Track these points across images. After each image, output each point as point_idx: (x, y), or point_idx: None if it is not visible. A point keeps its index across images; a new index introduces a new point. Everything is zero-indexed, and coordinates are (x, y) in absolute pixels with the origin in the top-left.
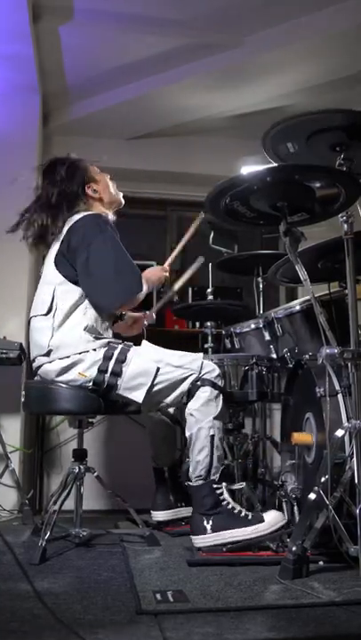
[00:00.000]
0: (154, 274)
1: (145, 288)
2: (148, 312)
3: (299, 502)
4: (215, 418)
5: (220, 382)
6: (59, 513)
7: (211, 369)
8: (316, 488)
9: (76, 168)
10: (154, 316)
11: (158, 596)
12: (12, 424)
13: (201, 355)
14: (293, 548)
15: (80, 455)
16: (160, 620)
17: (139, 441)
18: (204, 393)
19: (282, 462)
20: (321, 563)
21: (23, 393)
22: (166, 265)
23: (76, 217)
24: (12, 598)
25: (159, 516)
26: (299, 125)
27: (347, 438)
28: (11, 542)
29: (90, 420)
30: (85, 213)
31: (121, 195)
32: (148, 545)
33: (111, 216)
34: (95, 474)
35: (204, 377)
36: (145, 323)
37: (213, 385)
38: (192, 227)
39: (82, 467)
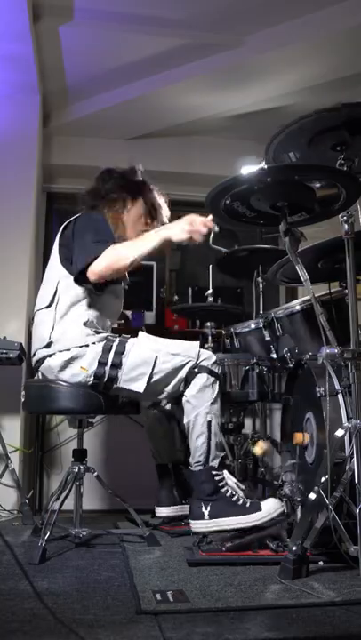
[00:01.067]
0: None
1: (141, 250)
2: None
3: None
4: (212, 403)
5: (216, 369)
6: (59, 513)
7: (207, 356)
8: (316, 488)
9: (133, 180)
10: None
11: (158, 595)
12: (12, 424)
13: (197, 343)
14: (293, 548)
15: (80, 455)
16: (160, 619)
17: (138, 441)
18: (201, 379)
19: (282, 462)
20: (321, 563)
21: (23, 393)
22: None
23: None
24: (11, 598)
25: (163, 511)
26: (300, 129)
27: (347, 438)
28: (11, 542)
29: (90, 419)
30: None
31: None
32: (148, 545)
33: None
34: (95, 474)
35: (201, 364)
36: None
37: (210, 372)
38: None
39: (82, 466)
